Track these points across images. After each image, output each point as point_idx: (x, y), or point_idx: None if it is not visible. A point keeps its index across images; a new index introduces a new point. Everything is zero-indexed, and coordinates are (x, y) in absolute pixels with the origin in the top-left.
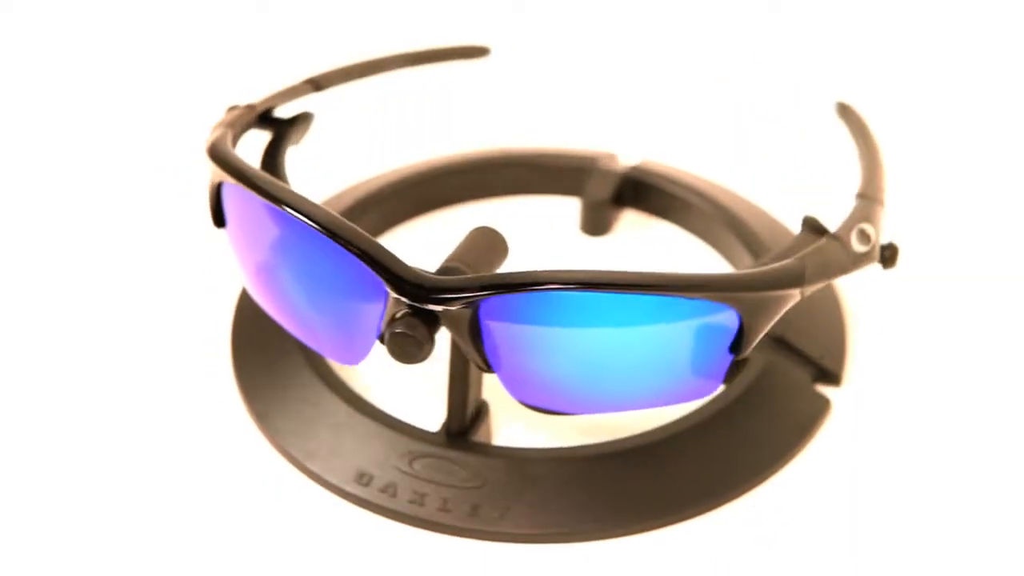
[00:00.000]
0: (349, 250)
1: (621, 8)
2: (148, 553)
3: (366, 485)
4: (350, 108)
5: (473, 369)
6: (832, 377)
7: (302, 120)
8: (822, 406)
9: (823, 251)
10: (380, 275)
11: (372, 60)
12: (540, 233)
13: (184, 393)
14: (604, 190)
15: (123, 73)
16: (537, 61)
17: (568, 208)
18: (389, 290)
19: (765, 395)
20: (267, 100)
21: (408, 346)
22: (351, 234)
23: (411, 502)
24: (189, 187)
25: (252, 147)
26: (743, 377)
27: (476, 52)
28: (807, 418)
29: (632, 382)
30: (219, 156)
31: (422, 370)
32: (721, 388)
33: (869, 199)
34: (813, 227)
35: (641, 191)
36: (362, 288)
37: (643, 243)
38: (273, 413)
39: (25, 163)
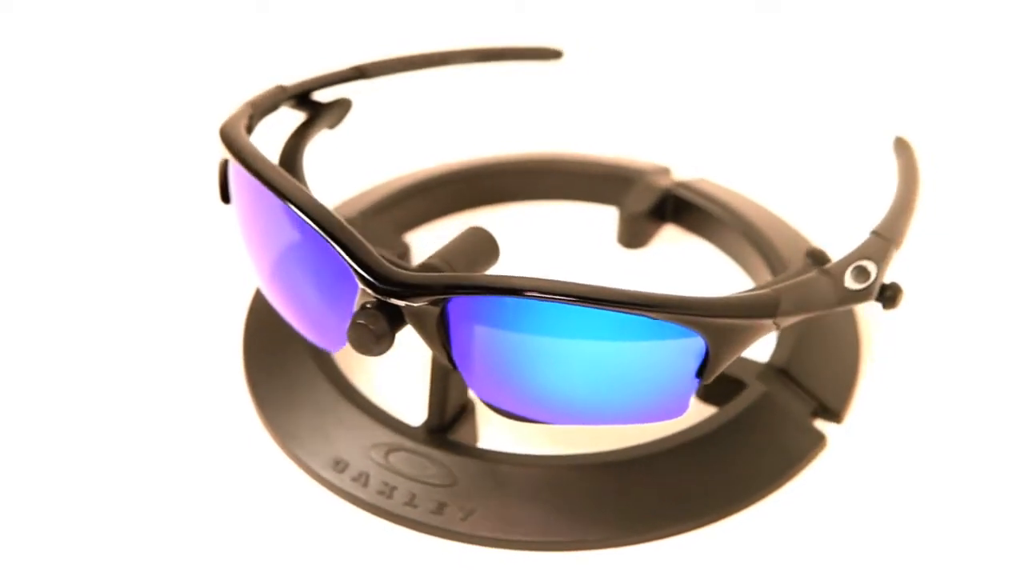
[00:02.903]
0: (324, 237)
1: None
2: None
3: (340, 472)
4: (402, 99)
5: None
6: (832, 413)
7: (339, 106)
8: (816, 441)
9: (806, 284)
10: (350, 265)
11: (433, 52)
12: (575, 240)
13: (191, 373)
14: (642, 203)
15: (123, 73)
16: (605, 67)
17: (610, 218)
18: (357, 280)
19: (757, 423)
20: (306, 82)
21: (365, 338)
22: (328, 221)
23: (380, 493)
24: (195, 187)
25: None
26: (737, 402)
27: (549, 54)
28: (797, 452)
29: (593, 396)
30: (224, 135)
31: (423, 366)
32: (714, 411)
33: (883, 238)
34: (815, 259)
35: (681, 207)
36: (338, 276)
37: (674, 259)
38: (266, 387)
39: (25, 163)
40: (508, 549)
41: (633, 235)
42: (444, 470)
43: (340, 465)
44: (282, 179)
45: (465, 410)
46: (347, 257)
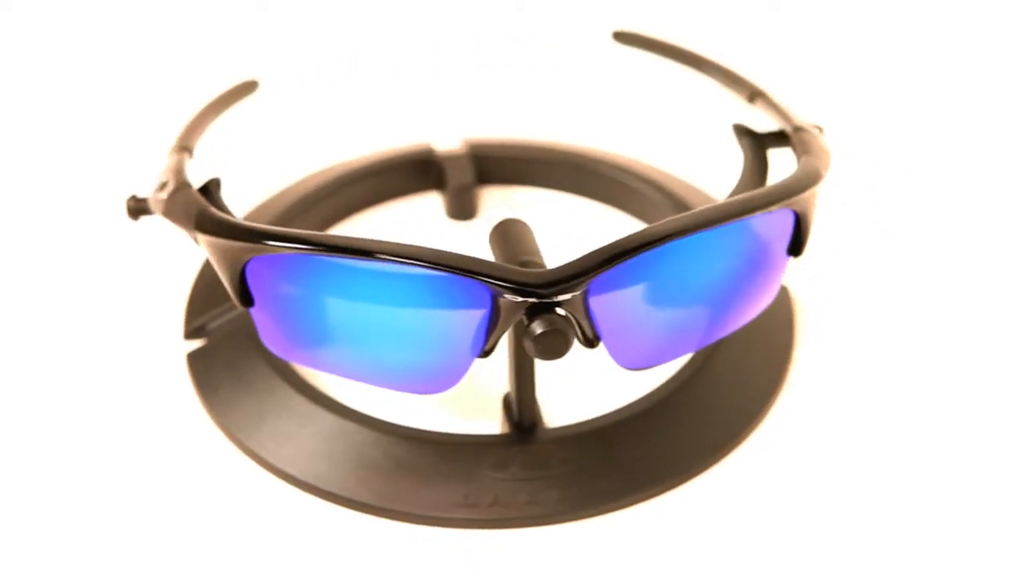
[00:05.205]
0: (460, 273)
1: None
2: None
3: (473, 505)
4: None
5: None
6: None
7: (217, 185)
8: (787, 296)
9: (812, 142)
10: (500, 286)
11: (201, 112)
12: (422, 231)
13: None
14: (466, 174)
15: (123, 74)
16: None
17: (423, 204)
18: (511, 297)
19: None
20: (178, 177)
21: (557, 342)
22: (456, 259)
23: (528, 503)
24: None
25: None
26: None
27: (247, 88)
28: (787, 311)
29: (723, 310)
30: (252, 231)
31: None
32: None
33: (762, 92)
34: (748, 132)
35: (490, 166)
36: (458, 310)
37: (523, 211)
38: (325, 472)
39: (24, 162)
40: (662, 495)
41: (464, 207)
42: (567, 455)
43: (470, 499)
44: (370, 241)
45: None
46: (493, 278)
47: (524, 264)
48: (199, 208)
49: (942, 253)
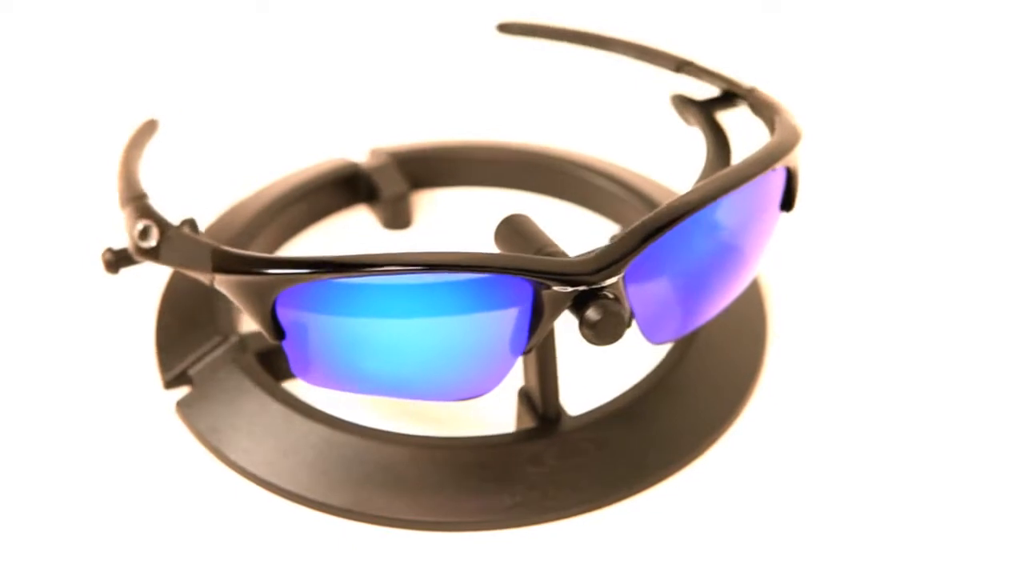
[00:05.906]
0: (502, 272)
1: None
2: None
3: (520, 504)
4: None
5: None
6: None
7: (195, 225)
8: (759, 288)
9: (773, 101)
10: (545, 279)
11: (124, 159)
12: (374, 248)
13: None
14: (399, 183)
15: (123, 74)
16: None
17: (353, 219)
18: (559, 288)
19: None
20: (160, 222)
21: (615, 325)
22: (496, 259)
23: (571, 492)
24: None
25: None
26: None
27: (151, 128)
28: (758, 299)
29: (734, 272)
30: (285, 263)
31: None
32: None
33: (689, 61)
34: (689, 101)
35: (417, 171)
36: (497, 311)
37: (458, 212)
38: (368, 497)
39: (24, 163)
40: (687, 467)
41: (398, 216)
42: (594, 440)
43: (517, 497)
44: (404, 255)
45: None
46: (537, 272)
47: (550, 255)
48: (213, 248)
49: (907, 242)
